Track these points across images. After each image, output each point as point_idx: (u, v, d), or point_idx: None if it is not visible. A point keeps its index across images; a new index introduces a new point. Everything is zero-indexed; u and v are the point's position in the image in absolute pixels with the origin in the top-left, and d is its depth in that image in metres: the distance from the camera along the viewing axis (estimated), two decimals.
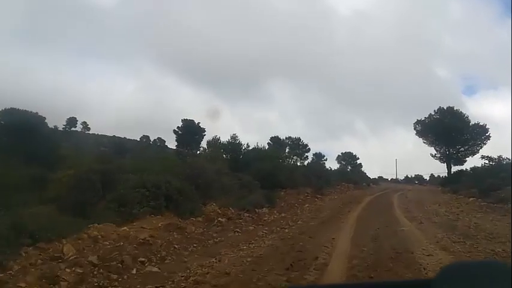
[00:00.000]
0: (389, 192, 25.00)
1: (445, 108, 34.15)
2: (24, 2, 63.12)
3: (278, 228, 8.66)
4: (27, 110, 18.74)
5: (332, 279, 4.18)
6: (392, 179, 52.06)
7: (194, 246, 6.28)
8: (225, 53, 72.98)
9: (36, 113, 19.68)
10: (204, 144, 27.57)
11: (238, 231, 8.04)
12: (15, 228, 4.61)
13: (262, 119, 62.56)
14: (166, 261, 5.15)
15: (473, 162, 32.41)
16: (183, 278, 4.35)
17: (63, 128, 38.07)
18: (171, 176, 10.48)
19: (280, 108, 78.33)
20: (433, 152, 35.29)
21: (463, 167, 30.37)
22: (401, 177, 53.89)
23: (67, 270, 3.86)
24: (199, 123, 37.05)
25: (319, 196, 17.78)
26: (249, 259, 5.21)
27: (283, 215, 11.55)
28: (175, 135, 37.94)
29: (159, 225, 7.54)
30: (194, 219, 8.60)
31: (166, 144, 39.83)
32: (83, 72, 74.37)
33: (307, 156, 39.07)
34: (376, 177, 47.17)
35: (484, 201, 14.31)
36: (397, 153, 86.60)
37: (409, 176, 54.55)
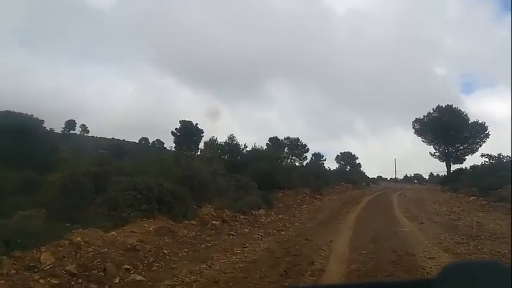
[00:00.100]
0: (388, 191, 24.76)
1: (443, 106, 33.97)
2: (23, 3, 62.80)
3: (274, 231, 8.37)
4: (21, 112, 18.51)
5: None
6: (391, 178, 51.93)
7: (185, 251, 5.99)
8: (225, 53, 72.93)
9: (32, 115, 19.44)
10: (201, 145, 27.35)
11: (233, 234, 7.74)
12: None
13: (261, 119, 62.46)
14: (153, 268, 4.85)
15: (472, 160, 32.19)
16: (169, 286, 4.06)
17: (61, 131, 37.83)
18: (165, 178, 10.20)
19: (280, 108, 78.32)
20: (432, 150, 35.11)
21: (463, 166, 30.26)
22: (400, 176, 53.78)
23: (41, 281, 3.56)
24: (197, 124, 36.84)
25: (317, 196, 17.51)
26: (241, 265, 4.92)
27: (280, 216, 11.26)
28: (173, 137, 37.74)
29: (150, 229, 7.23)
30: (187, 222, 8.29)
31: (165, 146, 39.64)
32: (83, 73, 74.19)
33: (306, 156, 38.90)
34: (375, 177, 47.04)
35: (485, 199, 14.05)
36: (396, 153, 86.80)
37: (408, 175, 54.43)
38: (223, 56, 74.84)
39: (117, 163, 14.97)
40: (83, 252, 4.62)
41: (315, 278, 4.25)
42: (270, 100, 73.49)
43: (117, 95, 72.74)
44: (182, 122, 38.10)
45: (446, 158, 33.99)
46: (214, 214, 9.15)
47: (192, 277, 4.43)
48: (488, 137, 32.27)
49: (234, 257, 5.51)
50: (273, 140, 36.08)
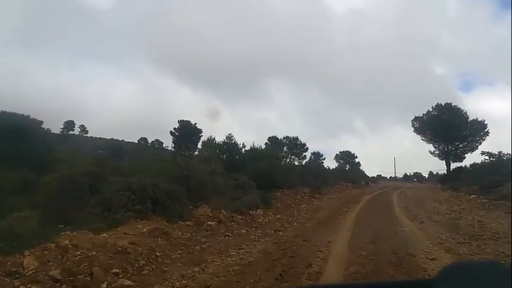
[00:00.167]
0: (388, 190, 24.60)
1: (442, 104, 33.81)
2: (23, 3, 62.48)
3: (272, 231, 8.18)
4: (17, 112, 18.31)
5: None
6: (391, 177, 51.81)
7: (179, 253, 5.79)
8: (225, 53, 72.78)
9: (28, 115, 19.24)
10: (200, 145, 27.16)
11: (229, 235, 7.55)
12: None
13: (261, 119, 62.33)
14: (143, 272, 4.65)
15: (472, 158, 32.05)
16: None
17: (60, 131, 37.64)
18: (162, 178, 10.01)
19: (280, 108, 78.23)
20: (432, 149, 34.97)
21: (462, 164, 30.11)
22: (400, 175, 53.67)
23: (21, 287, 3.37)
24: (195, 124, 36.66)
25: (316, 196, 17.34)
26: (235, 268, 4.73)
27: (278, 216, 11.07)
28: (172, 137, 37.56)
29: (144, 230, 7.04)
30: (183, 223, 8.10)
31: (164, 146, 39.51)
32: (82, 73, 73.98)
33: (305, 155, 38.76)
34: (375, 176, 46.92)
35: (485, 198, 13.90)
36: (395, 151, 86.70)
37: (408, 174, 54.35)
38: (223, 56, 74.72)
39: (115, 163, 14.81)
40: (69, 256, 4.43)
41: (312, 281, 4.06)
42: (269, 100, 73.43)
43: (117, 95, 72.55)
44: (181, 121, 37.94)
45: (446, 156, 33.84)
46: (211, 214, 8.95)
47: (184, 281, 4.24)
48: (487, 135, 32.16)
49: (229, 259, 5.32)
50: (272, 140, 35.93)
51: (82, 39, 79.34)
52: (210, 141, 22.95)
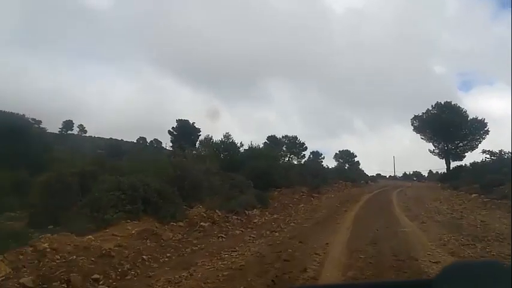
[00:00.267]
0: (388, 189, 24.34)
1: (442, 103, 33.54)
2: (23, 3, 62.06)
3: (268, 232, 7.89)
4: (13, 112, 17.98)
5: None
6: (390, 176, 51.58)
7: (167, 256, 5.49)
8: (225, 53, 72.50)
9: (24, 115, 18.90)
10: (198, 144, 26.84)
11: (222, 237, 7.25)
12: None
13: (261, 119, 62.14)
14: (127, 277, 4.35)
15: (472, 157, 31.83)
16: None
17: (59, 131, 37.33)
18: (155, 178, 9.71)
19: (279, 107, 78.09)
20: (431, 147, 34.71)
21: (462, 163, 29.86)
22: (399, 174, 53.45)
23: None
24: (194, 123, 36.37)
25: (315, 195, 17.06)
26: (225, 272, 4.43)
27: (275, 216, 10.78)
28: (170, 136, 37.25)
29: (133, 232, 6.73)
30: (175, 224, 7.79)
31: (162, 145, 39.26)
32: (82, 73, 73.68)
33: (304, 154, 38.52)
34: (374, 175, 46.74)
35: (487, 197, 13.62)
36: (395, 150, 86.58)
37: (408, 173, 54.14)
38: (223, 56, 74.45)
39: (111, 163, 14.52)
40: (47, 260, 4.12)
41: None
42: (269, 100, 73.22)
43: (116, 95, 72.25)
44: (179, 121, 37.64)
45: (446, 155, 33.58)
46: (205, 215, 8.65)
47: (169, 287, 3.94)
48: (487, 134, 31.91)
49: (220, 263, 5.02)
50: (271, 139, 35.66)
51: (82, 39, 79.10)
52: (207, 140, 22.66)
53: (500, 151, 19.56)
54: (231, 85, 74.63)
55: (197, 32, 78.29)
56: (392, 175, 52.08)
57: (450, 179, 24.56)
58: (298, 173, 20.41)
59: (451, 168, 31.51)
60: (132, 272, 4.51)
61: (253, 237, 7.23)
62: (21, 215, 9.72)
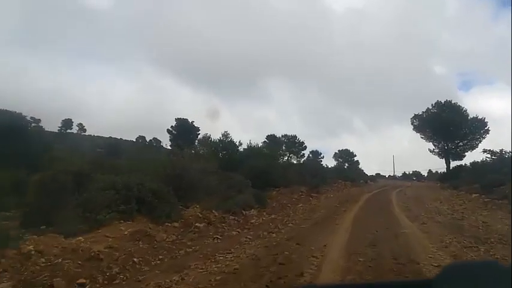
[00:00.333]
0: (387, 189, 24.17)
1: (442, 102, 33.36)
2: (23, 3, 61.74)
3: (265, 233, 7.70)
4: (9, 110, 17.75)
5: None
6: (390, 175, 51.44)
7: (160, 259, 5.30)
8: (225, 53, 72.23)
9: (20, 113, 18.67)
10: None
11: (218, 238, 7.06)
12: None
13: (261, 119, 62.03)
14: (115, 281, 4.16)
15: (472, 157, 31.69)
16: None
17: (58, 130, 37.12)
18: (152, 177, 9.53)
19: (279, 107, 78.02)
20: (431, 147, 34.54)
21: (462, 162, 29.70)
22: (399, 173, 53.30)
23: None
24: (193, 121, 36.17)
25: (314, 195, 16.88)
26: (218, 277, 4.24)
27: (273, 216, 10.60)
28: (169, 135, 37.05)
29: (126, 232, 6.55)
30: (170, 224, 7.61)
31: (162, 144, 39.11)
32: (82, 73, 73.55)
33: (303, 154, 38.35)
34: (374, 175, 46.63)
35: (487, 197, 13.46)
36: (394, 150, 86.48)
37: (407, 173, 54.00)
38: (223, 56, 74.25)
39: (110, 162, 14.33)
40: (30, 264, 3.92)
41: None
42: (269, 99, 73.12)
43: (117, 95, 72.06)
44: (178, 119, 37.44)
45: (446, 154, 33.40)
46: (200, 215, 8.46)
47: None
48: (488, 133, 31.74)
49: (214, 266, 4.83)
50: (271, 138, 35.49)
51: (82, 39, 78.94)
52: (206, 139, 22.47)
53: (501, 151, 19.40)
54: (231, 85, 74.52)
55: (197, 32, 78.13)
56: (392, 175, 51.97)
57: (450, 178, 24.41)
58: (297, 173, 20.23)
59: (450, 167, 31.35)
60: (121, 276, 4.32)
61: (249, 238, 7.05)
62: (16, 214, 9.54)
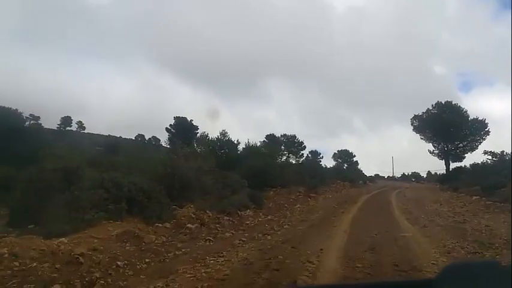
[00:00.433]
0: (386, 190, 23.92)
1: (443, 102, 33.10)
2: (23, 3, 61.34)
3: (260, 235, 7.41)
4: (5, 106, 17.41)
5: None
6: (389, 176, 51.24)
7: (146, 262, 5.00)
8: (225, 52, 71.95)
9: (16, 109, 18.33)
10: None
11: (210, 240, 6.77)
12: None
13: (261, 118, 61.80)
14: None
15: (472, 158, 31.43)
16: None
17: (57, 127, 36.75)
18: (141, 176, 9.22)
19: (279, 107, 77.85)
20: (431, 148, 34.28)
21: (462, 164, 29.46)
22: (398, 174, 53.10)
23: None
24: (191, 120, 35.83)
25: (312, 195, 16.60)
26: (206, 283, 3.94)
27: (269, 217, 10.31)
28: (167, 133, 36.72)
29: (113, 234, 6.24)
30: (161, 225, 7.30)
31: (161, 143, 38.80)
32: (82, 72, 73.15)
33: (302, 153, 38.05)
34: (373, 175, 46.39)
35: (488, 199, 13.20)
36: (394, 151, 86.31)
37: (406, 174, 53.80)
38: (223, 56, 73.99)
39: (108, 160, 14.04)
40: (2, 268, 3.61)
41: None
42: (269, 99, 72.89)
43: (116, 94, 71.76)
44: (176, 118, 37.12)
45: (446, 155, 33.15)
46: (193, 216, 8.15)
47: None
48: (488, 135, 31.50)
49: (203, 271, 4.53)
50: (270, 137, 35.18)
51: (82, 39, 78.47)
52: (203, 137, 22.16)
53: (502, 152, 19.15)
54: (231, 84, 74.19)
55: (197, 32, 77.79)
56: (391, 176, 51.76)
57: (450, 180, 24.19)
58: (296, 173, 19.94)
59: (450, 169, 31.12)
60: (102, 281, 4.02)
61: (243, 240, 6.75)
62: (6, 213, 9.23)
